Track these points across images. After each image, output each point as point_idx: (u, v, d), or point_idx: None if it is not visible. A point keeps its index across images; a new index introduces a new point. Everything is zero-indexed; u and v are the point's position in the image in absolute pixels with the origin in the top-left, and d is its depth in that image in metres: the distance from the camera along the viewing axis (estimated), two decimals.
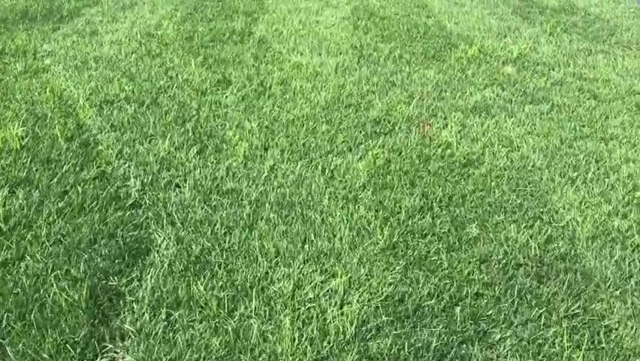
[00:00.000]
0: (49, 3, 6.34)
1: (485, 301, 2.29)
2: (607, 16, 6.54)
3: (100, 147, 3.37)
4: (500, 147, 3.49)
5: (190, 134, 3.56)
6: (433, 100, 4.15)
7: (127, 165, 3.21)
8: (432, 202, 2.90)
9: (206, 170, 3.17)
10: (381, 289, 2.31)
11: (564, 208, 2.90)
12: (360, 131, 3.64)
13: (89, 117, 3.75)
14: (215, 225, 2.70)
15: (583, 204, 2.94)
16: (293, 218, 2.77)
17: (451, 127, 3.69)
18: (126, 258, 2.50)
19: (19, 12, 5.99)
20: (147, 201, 2.89)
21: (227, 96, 4.14)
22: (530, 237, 2.66)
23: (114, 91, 4.12)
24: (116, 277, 2.38)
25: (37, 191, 2.95)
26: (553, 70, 4.80)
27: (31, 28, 5.50)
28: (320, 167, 3.22)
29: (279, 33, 5.58)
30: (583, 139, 3.62)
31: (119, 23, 5.74)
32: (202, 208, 2.83)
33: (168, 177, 3.11)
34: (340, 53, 5.08)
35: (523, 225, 2.75)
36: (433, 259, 2.51)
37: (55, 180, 3.05)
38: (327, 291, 2.30)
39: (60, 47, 5.02)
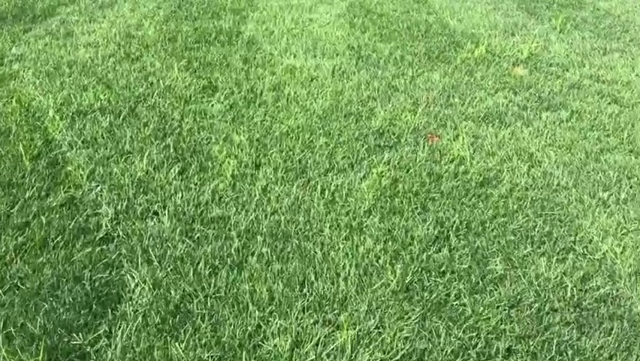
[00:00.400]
0: (21, 1, 5.90)
1: (519, 359, 1.92)
2: (617, 12, 6.18)
3: (69, 167, 2.97)
4: (519, 161, 3.12)
5: (171, 150, 3.17)
6: (440, 107, 3.78)
7: (99, 188, 2.82)
8: (448, 231, 2.53)
9: (188, 193, 2.79)
10: (396, 345, 1.94)
11: (598, 236, 2.54)
12: (362, 145, 3.27)
13: (59, 131, 3.35)
14: (198, 263, 2.32)
15: (619, 230, 2.58)
16: (289, 253, 2.40)
17: (463, 139, 3.31)
18: (94, 307, 2.12)
19: None
20: (120, 234, 2.51)
21: (213, 105, 3.75)
22: (564, 274, 2.30)
23: (88, 100, 3.72)
24: (80, 334, 2.00)
25: None
26: (567, 71, 4.44)
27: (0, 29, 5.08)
28: (319, 188, 2.85)
29: (269, 32, 5.18)
30: (610, 151, 3.26)
31: (97, 23, 5.32)
32: (183, 242, 2.44)
33: (145, 202, 2.72)
34: (337, 55, 4.69)
35: (555, 258, 2.38)
36: (454, 304, 2.14)
37: (17, 208, 2.66)
38: (332, 349, 1.93)
39: (31, 50, 4.61)
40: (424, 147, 3.25)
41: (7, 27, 5.14)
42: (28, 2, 5.90)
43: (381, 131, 3.43)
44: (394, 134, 3.40)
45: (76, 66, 4.31)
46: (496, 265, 2.33)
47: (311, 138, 3.33)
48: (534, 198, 2.79)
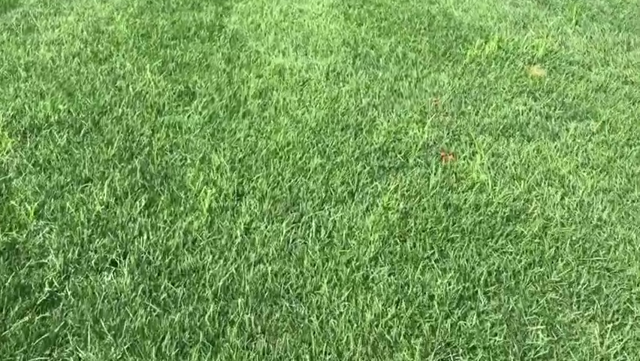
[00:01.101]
0: None
1: None
2: None
3: (14, 201, 2.46)
4: (550, 187, 2.65)
5: (138, 175, 2.67)
6: (451, 116, 3.29)
7: (48, 228, 2.33)
8: (474, 286, 2.06)
9: (156, 235, 2.30)
10: None
11: None
12: (364, 167, 2.78)
13: (7, 152, 2.83)
14: (162, 338, 1.83)
15: None
16: (278, 321, 1.92)
17: (481, 157, 2.84)
18: None
19: None
20: (68, 293, 2.02)
21: (189, 115, 3.23)
22: (623, 349, 1.83)
23: (45, 112, 3.19)
24: None
25: None
26: (590, 70, 3.95)
27: None
28: (314, 226, 2.36)
29: (255, 26, 4.65)
30: None
31: (63, 16, 4.75)
32: (145, 307, 1.96)
33: (102, 248, 2.22)
34: (331, 52, 4.17)
35: (609, 325, 1.92)
36: None
37: None
38: None
39: None
40: (436, 168, 2.77)
41: None
42: None
43: (384, 148, 2.94)
44: (401, 152, 2.91)
45: (35, 68, 3.77)
46: (538, 336, 1.87)
47: (303, 158, 2.83)
48: (573, 238, 2.32)
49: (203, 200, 2.48)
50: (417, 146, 2.96)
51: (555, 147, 2.98)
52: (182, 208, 2.47)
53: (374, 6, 5.21)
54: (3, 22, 4.62)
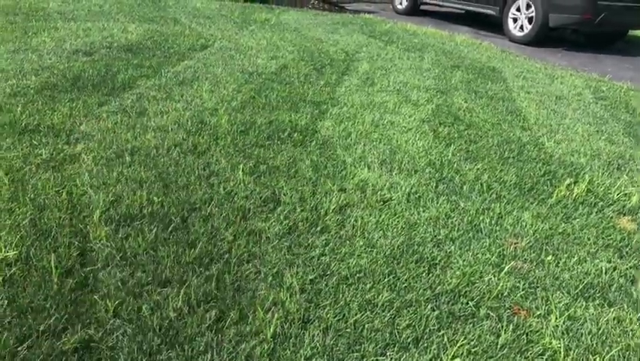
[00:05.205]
0: (104, 69, 5.88)
1: None
2: None
3: (97, 295, 2.64)
4: None
5: (213, 284, 2.79)
6: (530, 264, 3.22)
7: (122, 330, 2.46)
8: None
9: (219, 356, 2.37)
10: None
11: None
12: (433, 309, 2.76)
13: (100, 240, 3.05)
14: None
15: None
16: None
17: (556, 318, 2.74)
18: None
19: (70, 78, 5.54)
20: None
21: (271, 224, 3.36)
22: None
23: (140, 202, 3.44)
24: None
25: None
26: None
27: (77, 99, 5.00)
28: None
29: (346, 134, 4.83)
30: None
31: (173, 102, 5.16)
32: None
33: None
34: (415, 172, 4.25)
35: None
36: None
37: (25, 346, 2.33)
38: None
39: (99, 128, 4.45)
40: (507, 325, 2.70)
41: (84, 98, 5.07)
42: (112, 71, 5.88)
43: (456, 292, 2.91)
44: (473, 298, 2.87)
45: (139, 155, 4.09)
46: None
47: (372, 291, 2.86)
48: None
49: (270, 323, 2.54)
50: (490, 294, 2.91)
51: (638, 319, 2.84)
52: (248, 329, 2.54)
53: (465, 126, 5.28)
54: (119, 102, 5.07)
